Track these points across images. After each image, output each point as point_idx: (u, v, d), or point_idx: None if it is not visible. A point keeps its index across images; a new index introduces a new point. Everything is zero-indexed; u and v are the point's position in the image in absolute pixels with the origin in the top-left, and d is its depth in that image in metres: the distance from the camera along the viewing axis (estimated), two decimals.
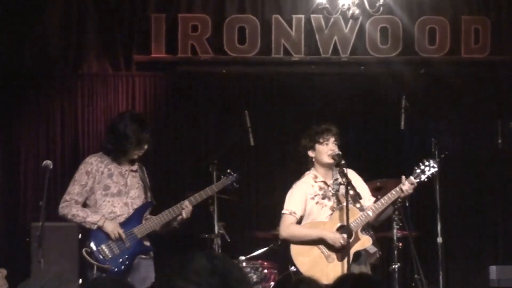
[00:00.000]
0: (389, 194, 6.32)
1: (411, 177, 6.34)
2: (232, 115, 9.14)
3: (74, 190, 6.07)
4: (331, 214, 6.35)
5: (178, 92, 9.57)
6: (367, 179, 6.68)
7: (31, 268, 7.88)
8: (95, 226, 5.98)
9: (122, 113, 6.87)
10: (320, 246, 6.31)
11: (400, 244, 7.10)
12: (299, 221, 6.40)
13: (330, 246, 6.29)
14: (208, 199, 6.60)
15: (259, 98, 9.58)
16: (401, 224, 6.78)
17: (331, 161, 6.35)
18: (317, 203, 6.37)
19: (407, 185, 6.29)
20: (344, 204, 6.15)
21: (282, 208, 6.45)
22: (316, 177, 6.43)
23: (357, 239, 6.29)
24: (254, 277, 7.29)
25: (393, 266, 6.91)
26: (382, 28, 9.46)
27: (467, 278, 9.40)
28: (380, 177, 7.63)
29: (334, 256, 6.29)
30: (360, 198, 6.29)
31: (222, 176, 6.62)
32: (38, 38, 9.33)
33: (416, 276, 7.16)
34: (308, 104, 9.51)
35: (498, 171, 9.54)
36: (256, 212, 9.35)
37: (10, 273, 7.85)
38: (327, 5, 8.88)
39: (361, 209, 6.33)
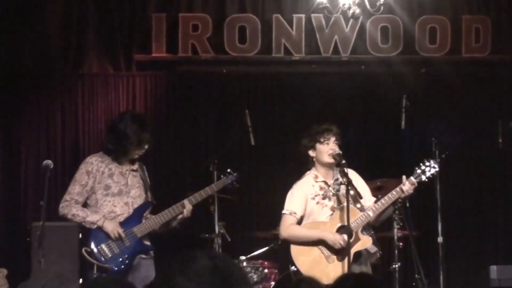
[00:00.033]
0: (389, 195, 6.32)
1: (412, 178, 6.33)
2: (232, 115, 9.14)
3: (75, 190, 6.07)
4: (332, 214, 6.34)
5: (178, 92, 9.57)
6: (367, 179, 6.68)
7: (31, 268, 7.88)
8: (95, 226, 5.98)
9: (123, 113, 6.88)
10: (320, 246, 6.30)
11: (401, 243, 7.11)
12: (299, 221, 6.39)
13: (330, 247, 6.29)
14: (209, 198, 6.60)
15: (259, 98, 9.58)
16: (401, 224, 6.78)
17: (331, 160, 6.34)
18: (317, 203, 6.37)
19: (407, 186, 6.28)
20: (345, 204, 6.15)
21: (282, 208, 6.45)
22: (316, 177, 6.43)
23: (357, 239, 6.29)
24: (255, 277, 7.28)
25: (394, 266, 6.91)
26: (383, 27, 9.46)
27: (468, 278, 9.40)
28: (380, 176, 7.62)
29: (334, 256, 6.29)
30: (361, 197, 6.28)
31: (222, 176, 6.63)
32: (38, 38, 9.33)
33: (416, 275, 7.16)
34: (308, 104, 9.50)
35: (499, 170, 9.54)
36: (257, 212, 9.34)
37: (11, 273, 7.85)
38: (328, 5, 8.87)
39: (362, 209, 6.33)
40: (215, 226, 7.03)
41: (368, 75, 9.57)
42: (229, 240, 7.34)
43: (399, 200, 6.37)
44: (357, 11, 8.59)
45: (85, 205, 6.10)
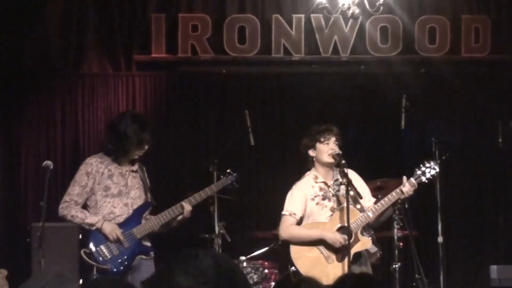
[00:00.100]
0: (389, 196, 6.32)
1: (412, 179, 6.33)
2: (232, 115, 9.13)
3: (74, 191, 6.07)
4: (331, 215, 6.34)
5: (178, 92, 9.56)
6: (367, 179, 6.68)
7: (31, 269, 7.88)
8: (94, 228, 5.98)
9: (123, 113, 6.88)
10: (320, 246, 6.30)
11: (401, 243, 7.11)
12: (299, 222, 6.39)
13: (329, 247, 6.29)
14: (208, 199, 6.60)
15: (259, 98, 9.58)
16: (401, 224, 6.79)
17: (331, 160, 6.34)
18: (317, 204, 6.37)
19: (407, 187, 6.28)
20: (345, 204, 6.15)
21: (282, 208, 6.45)
22: (316, 177, 6.43)
23: (357, 240, 6.29)
24: (255, 277, 7.28)
25: (394, 266, 6.91)
26: (382, 27, 9.46)
27: (468, 278, 9.40)
28: (380, 176, 7.62)
29: (333, 256, 6.28)
30: (361, 198, 6.28)
31: (222, 176, 6.62)
32: (38, 38, 9.32)
33: (416, 275, 7.16)
34: (308, 104, 9.50)
35: (499, 170, 9.54)
36: (256, 212, 9.34)
37: (11, 273, 7.84)
38: (327, 5, 8.87)
39: (362, 210, 6.33)
40: (215, 226, 7.03)
41: (367, 75, 9.57)
42: (229, 240, 7.34)
43: (399, 201, 6.37)
44: (357, 11, 8.59)
45: (85, 206, 6.10)
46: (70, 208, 6.02)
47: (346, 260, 6.16)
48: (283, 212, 6.42)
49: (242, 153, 9.03)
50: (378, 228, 6.75)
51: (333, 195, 6.38)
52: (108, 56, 9.43)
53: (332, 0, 8.83)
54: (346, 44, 9.41)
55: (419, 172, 6.38)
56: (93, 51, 9.40)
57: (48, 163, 6.21)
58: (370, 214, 6.30)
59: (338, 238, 6.22)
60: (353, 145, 9.12)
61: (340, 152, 6.33)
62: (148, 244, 6.17)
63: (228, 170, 6.65)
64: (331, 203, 6.37)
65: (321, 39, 9.42)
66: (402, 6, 9.40)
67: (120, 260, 5.98)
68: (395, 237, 6.82)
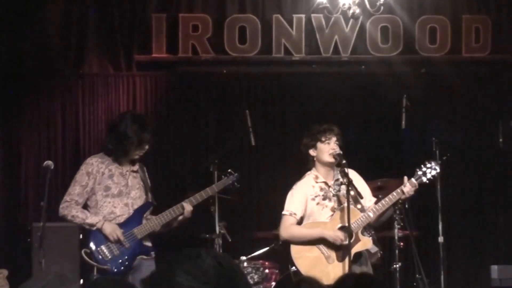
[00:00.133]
0: (390, 196, 6.32)
1: (413, 179, 6.33)
2: (232, 115, 9.13)
3: (75, 191, 6.07)
4: (332, 215, 6.34)
5: (178, 92, 9.56)
6: (368, 179, 6.68)
7: (32, 269, 7.87)
8: (94, 228, 5.98)
9: (123, 113, 6.88)
10: (320, 246, 6.30)
11: (401, 243, 7.10)
12: (299, 222, 6.39)
13: (330, 247, 6.29)
14: (209, 199, 6.59)
15: (260, 98, 9.58)
16: (402, 224, 6.78)
17: (331, 160, 6.34)
18: (317, 204, 6.37)
19: (408, 187, 6.28)
20: (345, 204, 6.15)
21: (282, 208, 6.45)
22: (317, 177, 6.43)
23: (358, 240, 6.29)
24: (255, 277, 7.28)
25: (394, 266, 6.90)
26: (383, 27, 9.46)
27: (469, 278, 9.39)
28: (381, 176, 7.62)
29: (334, 256, 6.29)
30: (361, 198, 6.28)
31: (223, 176, 6.62)
32: (38, 38, 9.32)
33: (417, 275, 7.16)
34: (309, 104, 9.50)
35: (499, 170, 9.54)
36: (257, 212, 9.34)
37: (11, 273, 7.84)
38: (328, 5, 8.87)
39: (362, 209, 6.33)
40: (216, 226, 7.02)
41: (368, 75, 9.56)
42: (230, 240, 7.34)
43: (400, 201, 6.37)
44: (357, 11, 8.59)
45: (85, 206, 6.10)
46: (71, 208, 6.02)
47: (346, 260, 6.16)
48: (283, 212, 6.42)
49: (242, 153, 9.02)
50: (379, 228, 6.75)
51: (333, 195, 6.38)
52: (108, 56, 9.42)
53: (333, 0, 8.83)
54: (347, 44, 9.41)
55: (420, 173, 6.38)
56: (93, 51, 9.40)
57: (49, 163, 6.22)
58: (371, 214, 6.30)
59: (339, 235, 6.22)
60: (354, 145, 9.11)
61: (341, 152, 6.33)
62: (148, 244, 6.17)
63: (229, 170, 6.65)
64: (332, 203, 6.37)
65: (322, 39, 9.41)
66: (402, 6, 9.40)
67: (120, 260, 5.98)
68: (396, 237, 6.81)
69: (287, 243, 6.39)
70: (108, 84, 9.41)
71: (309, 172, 6.49)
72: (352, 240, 6.20)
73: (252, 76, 9.62)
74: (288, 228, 6.36)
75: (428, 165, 6.41)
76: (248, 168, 9.15)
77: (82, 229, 6.26)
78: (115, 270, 5.93)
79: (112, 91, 9.39)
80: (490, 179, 9.58)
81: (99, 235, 5.98)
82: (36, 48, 9.32)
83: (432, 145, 7.20)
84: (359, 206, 6.33)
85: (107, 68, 9.43)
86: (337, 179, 6.39)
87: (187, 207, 6.14)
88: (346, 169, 6.23)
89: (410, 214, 6.77)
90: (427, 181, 6.41)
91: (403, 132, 8.45)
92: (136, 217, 6.09)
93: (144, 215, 6.17)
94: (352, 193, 6.17)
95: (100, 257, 5.95)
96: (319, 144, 6.40)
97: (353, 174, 6.34)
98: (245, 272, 7.18)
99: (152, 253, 6.17)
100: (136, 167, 6.20)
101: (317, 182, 6.41)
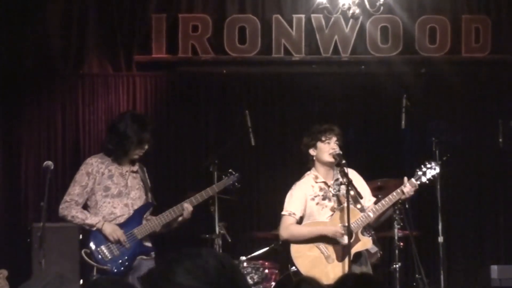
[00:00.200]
0: (390, 196, 6.32)
1: (413, 179, 6.34)
2: (232, 115, 9.12)
3: (75, 191, 6.07)
4: (332, 214, 6.34)
5: (178, 92, 9.56)
6: (367, 179, 6.68)
7: (32, 269, 7.88)
8: (94, 229, 5.98)
9: (123, 113, 6.89)
10: (320, 246, 6.30)
11: (401, 243, 7.11)
12: (299, 222, 6.39)
13: (330, 247, 6.29)
14: (209, 199, 6.59)
15: (259, 98, 9.58)
16: (402, 224, 6.78)
17: (331, 160, 6.34)
18: (317, 204, 6.37)
19: (408, 187, 6.28)
20: (345, 204, 6.15)
21: (282, 208, 6.45)
22: (316, 177, 6.43)
23: (358, 240, 6.29)
24: (255, 277, 7.28)
25: (394, 266, 6.90)
26: (383, 27, 9.46)
27: (469, 278, 9.39)
28: (380, 176, 7.62)
29: (334, 256, 6.29)
30: (361, 197, 6.28)
31: (223, 176, 6.62)
32: (38, 38, 9.32)
33: (417, 275, 7.16)
34: (308, 104, 9.50)
35: (499, 170, 9.54)
36: (257, 212, 9.34)
37: (11, 274, 7.84)
38: (328, 5, 8.87)
39: (362, 209, 6.33)
40: (216, 226, 7.02)
41: (368, 75, 9.57)
42: (230, 240, 7.34)
43: (400, 201, 6.37)
44: (357, 11, 8.59)
45: (85, 206, 6.10)
46: (71, 209, 6.02)
47: (346, 260, 6.16)
48: (282, 212, 6.42)
49: (242, 153, 9.02)
50: (379, 228, 6.75)
51: (333, 195, 6.38)
52: (108, 56, 9.43)
53: (333, 0, 8.83)
54: (347, 44, 9.41)
55: (420, 173, 6.38)
56: (93, 51, 9.40)
57: (49, 163, 6.21)
58: (371, 214, 6.30)
59: (338, 230, 6.22)
60: (354, 145, 9.12)
61: (341, 152, 6.33)
62: (148, 244, 6.17)
63: (229, 170, 6.64)
64: (332, 203, 6.37)
65: (322, 39, 9.41)
66: (402, 6, 9.40)
67: (120, 261, 5.98)
68: (396, 237, 6.81)
69: (287, 243, 6.39)
70: (108, 84, 9.41)
71: (308, 172, 6.49)
72: (352, 240, 6.19)
73: (252, 76, 9.62)
74: (287, 228, 6.36)
75: (428, 165, 6.41)
76: (248, 168, 9.15)
77: (82, 229, 6.26)
78: (115, 270, 5.93)
79: (112, 91, 9.39)
80: (490, 179, 9.58)
81: (99, 236, 5.98)
82: (36, 48, 9.32)
83: (432, 145, 7.20)
84: (358, 206, 6.33)
85: (107, 68, 9.44)
86: (337, 179, 6.39)
87: (188, 207, 6.14)
88: (345, 169, 6.23)
89: (410, 214, 6.77)
90: (427, 181, 6.41)
91: (403, 132, 8.46)
92: (136, 218, 6.09)
93: (144, 216, 6.16)
94: (351, 193, 6.17)
95: (100, 257, 5.95)
96: (319, 144, 6.40)
97: (352, 174, 6.35)
98: (245, 272, 7.19)
99: (152, 253, 6.17)
100: (136, 168, 6.20)
101: (316, 182, 6.41)
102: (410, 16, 9.47)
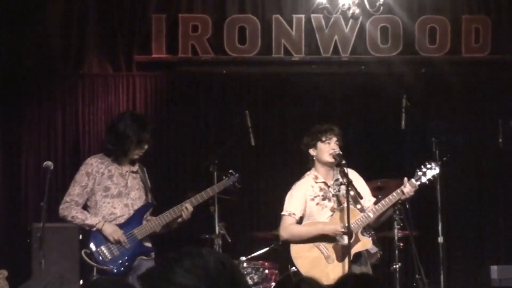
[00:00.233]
0: (390, 196, 6.32)
1: (413, 180, 6.33)
2: (232, 115, 9.12)
3: (75, 191, 6.07)
4: (332, 215, 6.34)
5: (178, 92, 9.56)
6: (367, 179, 6.68)
7: (32, 269, 7.87)
8: (94, 229, 5.98)
9: (122, 113, 6.89)
10: (320, 246, 6.30)
11: (401, 244, 7.10)
12: (299, 222, 6.39)
13: (330, 247, 6.29)
14: (209, 199, 6.59)
15: (259, 98, 9.58)
16: (402, 224, 6.78)
17: (331, 160, 6.34)
18: (317, 204, 6.36)
19: (408, 188, 6.28)
20: (345, 205, 6.14)
21: (282, 208, 6.44)
22: (316, 177, 6.43)
23: (357, 240, 6.29)
24: (255, 278, 7.28)
25: (394, 266, 6.91)
26: (383, 27, 9.46)
27: (468, 278, 9.39)
28: (380, 177, 7.62)
29: (334, 256, 6.28)
30: (361, 198, 6.28)
31: (224, 177, 6.61)
32: (38, 38, 9.32)
33: (417, 276, 7.16)
34: (308, 104, 9.50)
35: (499, 170, 9.54)
36: (257, 212, 9.34)
37: (11, 274, 7.83)
38: (327, 5, 8.87)
39: (362, 210, 6.33)
40: (216, 226, 7.02)
41: (368, 75, 9.57)
42: (230, 240, 7.34)
43: (399, 201, 6.37)
44: (357, 11, 8.59)
45: (85, 206, 6.09)
46: (71, 209, 6.02)
47: (346, 260, 6.16)
48: (282, 213, 6.42)
49: (242, 153, 9.03)
50: (379, 228, 6.75)
51: (333, 195, 6.38)
52: (108, 56, 9.42)
53: (332, 0, 8.83)
54: (347, 44, 9.41)
55: (420, 173, 6.38)
56: (93, 51, 9.40)
57: (49, 163, 6.21)
58: (371, 214, 6.30)
59: (338, 227, 6.22)
60: (354, 145, 9.11)
61: (341, 153, 6.33)
62: (149, 244, 6.17)
63: (230, 171, 6.63)
64: (331, 203, 6.37)
65: (322, 39, 9.41)
66: (402, 6, 9.40)
67: (120, 261, 5.98)
68: (396, 237, 6.81)
69: (287, 243, 6.39)
70: (108, 84, 9.40)
71: (308, 172, 6.49)
72: (352, 240, 6.19)
73: (252, 76, 9.62)
74: (287, 227, 6.36)
75: (428, 166, 6.41)
76: (248, 168, 9.15)
77: (82, 229, 6.26)
78: (115, 270, 5.93)
79: (112, 91, 9.39)
80: (490, 179, 9.58)
81: (99, 236, 5.98)
82: (36, 48, 9.32)
83: (432, 146, 7.20)
84: (358, 206, 6.33)
85: (107, 68, 9.43)
86: (337, 179, 6.39)
87: (188, 207, 6.14)
88: (345, 169, 6.22)
89: (410, 215, 6.77)
90: (427, 182, 6.41)
91: (403, 132, 8.45)
92: (136, 218, 6.09)
93: (144, 216, 6.16)
94: (351, 193, 6.17)
95: (100, 257, 5.95)
96: (319, 144, 6.40)
97: (352, 174, 6.34)
98: (245, 272, 7.19)
99: (152, 253, 6.16)
100: (136, 168, 6.20)
101: (316, 182, 6.41)
102: (410, 16, 9.47)
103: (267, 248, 7.53)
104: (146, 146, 6.14)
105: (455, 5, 9.60)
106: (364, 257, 6.40)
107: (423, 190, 6.70)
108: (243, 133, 7.51)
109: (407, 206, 6.67)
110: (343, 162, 6.25)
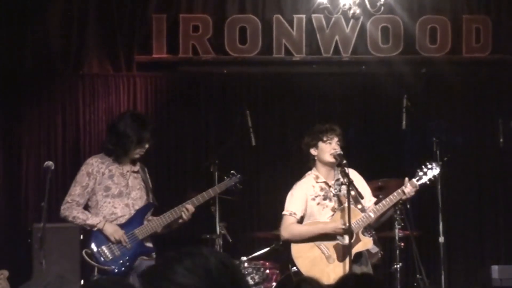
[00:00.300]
0: (391, 196, 6.32)
1: (414, 180, 6.33)
2: (233, 115, 9.11)
3: (75, 192, 6.07)
4: (333, 215, 6.34)
5: (179, 92, 9.56)
6: (368, 179, 6.68)
7: (32, 270, 7.87)
8: (95, 229, 5.97)
9: (123, 113, 6.91)
10: (321, 246, 6.30)
11: (402, 244, 7.10)
12: (300, 222, 6.39)
13: (331, 247, 6.28)
14: (210, 199, 6.59)
15: (260, 98, 9.58)
16: (402, 224, 6.78)
17: (332, 160, 6.34)
18: (318, 204, 6.36)
19: (409, 188, 6.28)
20: (346, 205, 6.14)
21: (283, 208, 6.44)
22: (317, 177, 6.43)
23: (358, 240, 6.29)
24: (256, 278, 7.28)
25: (395, 266, 6.91)
26: (383, 27, 9.46)
27: (469, 278, 9.39)
28: (381, 177, 7.62)
29: (334, 256, 6.28)
30: (362, 198, 6.28)
31: (225, 177, 6.61)
32: (38, 38, 9.32)
33: (418, 276, 7.17)
34: (309, 104, 9.50)
35: (500, 170, 9.54)
36: (257, 212, 9.34)
37: (12, 274, 7.83)
38: (328, 5, 8.86)
39: (363, 210, 6.33)
40: (216, 226, 7.02)
41: (368, 75, 9.57)
42: (230, 240, 7.34)
43: (400, 201, 6.37)
44: (358, 11, 8.58)
45: (86, 206, 6.10)
46: (72, 209, 6.02)
47: (347, 260, 6.16)
48: (283, 212, 6.42)
49: (242, 153, 9.03)
50: (379, 228, 6.75)
51: (334, 195, 6.38)
52: (108, 56, 9.42)
53: (333, 0, 8.83)
54: (347, 44, 9.41)
55: (420, 173, 6.38)
56: (93, 51, 9.39)
57: (49, 163, 6.21)
58: (372, 214, 6.30)
59: (339, 225, 6.22)
60: (354, 145, 9.11)
61: (342, 153, 6.33)
62: (149, 244, 6.17)
63: (231, 171, 6.63)
64: (332, 203, 6.37)
65: (322, 39, 9.41)
66: (403, 6, 9.40)
67: (121, 261, 5.98)
68: (396, 237, 6.81)
69: (287, 243, 6.39)
70: (108, 84, 9.40)
71: (309, 172, 6.49)
72: (352, 240, 6.19)
73: (252, 76, 9.62)
74: (288, 227, 6.36)
75: (429, 166, 6.41)
76: (249, 168, 9.15)
77: (83, 229, 6.26)
78: (116, 270, 5.93)
79: (113, 91, 9.38)
80: (490, 179, 9.58)
81: (100, 236, 5.98)
82: (36, 49, 9.31)
83: (433, 146, 7.20)
84: (359, 206, 6.33)
85: (107, 69, 9.43)
86: (338, 179, 6.39)
87: (189, 208, 6.14)
88: (346, 169, 6.22)
89: (410, 215, 6.77)
90: (428, 182, 6.41)
91: (403, 132, 8.45)
92: (137, 218, 6.09)
93: (146, 216, 6.16)
94: (352, 193, 6.17)
95: (101, 257, 5.95)
96: (320, 144, 6.40)
97: (353, 174, 6.34)
98: (246, 272, 7.19)
99: (153, 253, 6.16)
100: (136, 168, 6.20)
101: (317, 182, 6.41)
102: (410, 16, 9.47)
103: (268, 248, 7.53)
104: (146, 146, 6.14)
105: (455, 5, 9.60)
106: (365, 257, 6.40)
107: (424, 190, 6.71)
108: (243, 133, 7.51)
109: (408, 206, 6.67)
110: (344, 162, 6.25)
